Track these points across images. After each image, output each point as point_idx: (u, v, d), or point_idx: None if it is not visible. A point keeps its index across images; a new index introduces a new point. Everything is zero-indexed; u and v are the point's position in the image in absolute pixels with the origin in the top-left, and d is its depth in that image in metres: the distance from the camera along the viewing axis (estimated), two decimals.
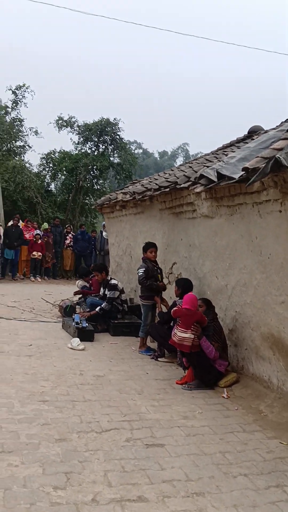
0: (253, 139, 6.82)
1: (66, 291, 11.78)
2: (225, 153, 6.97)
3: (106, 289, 7.74)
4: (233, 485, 3.04)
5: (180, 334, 4.92)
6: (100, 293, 8.02)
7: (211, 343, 4.92)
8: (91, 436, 3.78)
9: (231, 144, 8.20)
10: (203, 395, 4.77)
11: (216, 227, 5.56)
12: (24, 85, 20.56)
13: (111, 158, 20.48)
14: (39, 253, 14.72)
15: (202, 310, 5.17)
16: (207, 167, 5.71)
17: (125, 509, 2.79)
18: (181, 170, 7.30)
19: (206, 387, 4.92)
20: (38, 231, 15.01)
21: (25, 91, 20.65)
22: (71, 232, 16.09)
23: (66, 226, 16.45)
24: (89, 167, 19.55)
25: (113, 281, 7.80)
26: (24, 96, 20.75)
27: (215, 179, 5.07)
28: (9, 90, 20.58)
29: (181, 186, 6.10)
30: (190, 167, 6.88)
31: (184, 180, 6.17)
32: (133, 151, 25.71)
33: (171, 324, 5.90)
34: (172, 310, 5.30)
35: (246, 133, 8.40)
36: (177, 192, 6.38)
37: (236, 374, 5.04)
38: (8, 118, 21.06)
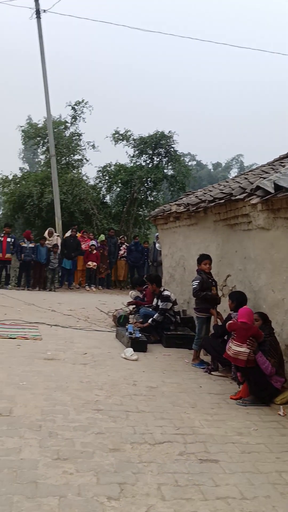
0: None
1: (120, 301, 11.93)
2: (282, 164, 6.84)
3: (159, 300, 7.77)
4: None
5: (235, 348, 4.84)
6: (153, 303, 8.06)
7: (267, 358, 4.80)
8: (144, 447, 3.79)
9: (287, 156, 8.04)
10: (258, 411, 4.65)
11: (273, 239, 5.44)
12: (83, 100, 21.22)
13: (165, 170, 20.63)
14: (94, 263, 15.02)
15: (258, 325, 5.07)
16: (264, 178, 5.63)
17: None
18: (236, 181, 7.24)
19: (261, 404, 4.80)
20: (93, 242, 15.34)
21: (83, 107, 21.30)
22: (125, 243, 16.30)
23: (120, 237, 16.70)
24: (144, 179, 19.78)
25: (165, 292, 7.81)
26: (83, 112, 21.40)
27: (272, 191, 4.99)
28: (68, 106, 21.31)
29: (237, 197, 6.04)
30: (246, 178, 6.80)
31: (240, 191, 6.11)
32: (186, 163, 25.74)
33: (225, 337, 5.82)
34: (227, 324, 5.23)
35: None
36: (232, 203, 6.32)
37: None
38: (67, 133, 21.76)
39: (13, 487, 3.06)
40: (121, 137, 20.95)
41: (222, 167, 55.82)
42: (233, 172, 53.94)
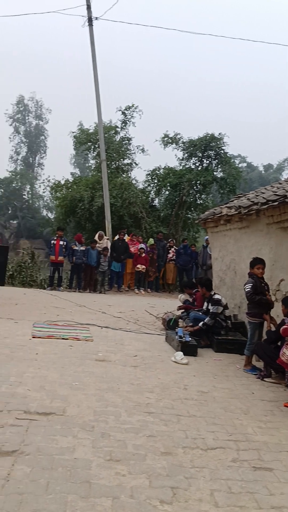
0: None
1: (169, 304, 11.92)
2: None
3: (210, 304, 7.69)
4: None
5: None
6: (203, 307, 7.99)
7: None
8: (196, 452, 3.76)
9: None
10: None
11: None
12: (133, 105, 21.45)
13: (215, 173, 20.45)
14: (143, 266, 15.10)
15: None
16: None
17: None
18: None
19: None
20: (142, 245, 15.43)
21: (133, 111, 21.52)
22: (174, 246, 16.27)
23: (169, 240, 16.68)
24: (193, 182, 19.70)
25: (216, 296, 7.73)
26: (133, 116, 21.62)
27: None
28: (119, 111, 21.61)
29: None
30: None
31: None
32: (237, 165, 25.43)
33: (279, 343, 5.68)
34: (281, 329, 5.10)
35: None
36: (286, 206, 6.17)
37: None
38: (117, 138, 22.06)
39: (67, 486, 3.12)
40: (170, 141, 20.99)
41: (273, 169, 54.55)
42: (285, 174, 52.53)
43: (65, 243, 14.55)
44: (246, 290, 6.29)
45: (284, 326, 5.11)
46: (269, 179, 47.13)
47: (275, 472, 3.44)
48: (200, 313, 7.89)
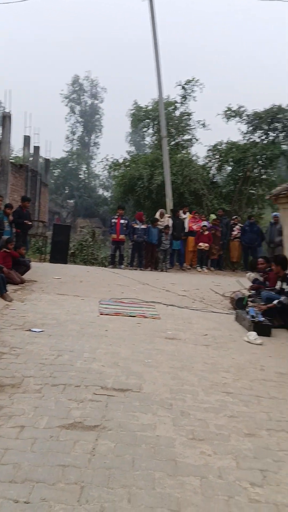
0: None
1: (234, 282, 11.64)
2: None
3: (284, 283, 7.39)
4: None
5: None
6: (277, 286, 7.69)
7: None
8: (282, 435, 3.61)
9: None
10: None
11: None
12: (193, 79, 20.85)
13: (282, 146, 19.57)
14: (206, 245, 14.84)
15: None
16: None
17: None
18: None
19: None
20: (205, 223, 15.13)
21: (193, 85, 20.93)
22: (239, 224, 15.81)
23: (234, 217, 16.23)
24: (258, 157, 18.98)
25: None
26: (193, 90, 21.04)
27: None
28: (178, 85, 21.08)
29: None
30: None
31: None
32: None
33: None
34: None
35: None
36: None
37: None
38: (177, 113, 21.61)
39: (153, 463, 3.08)
40: (233, 114, 20.29)
41: None
42: None
43: (126, 221, 14.55)
44: None
45: None
46: None
47: None
48: (273, 293, 7.60)
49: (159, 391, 4.32)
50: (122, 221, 14.43)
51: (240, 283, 9.42)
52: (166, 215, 15.41)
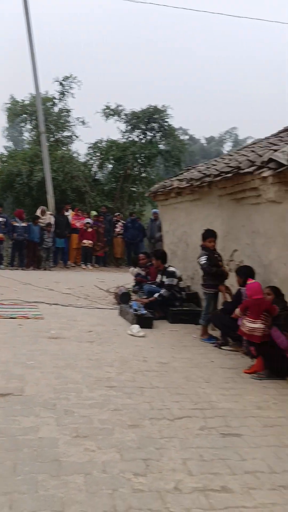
0: None
1: (119, 278, 11.82)
2: None
3: (164, 276, 7.68)
4: None
5: (250, 325, 4.79)
6: (157, 280, 7.97)
7: (283, 332, 4.75)
8: (164, 423, 3.73)
9: None
10: (275, 385, 4.62)
11: (285, 212, 5.34)
12: (71, 75, 20.63)
13: (159, 146, 20.29)
14: (90, 242, 14.86)
15: (271, 299, 5.00)
16: (274, 150, 5.48)
17: (209, 499, 2.72)
18: (242, 154, 7.07)
19: (277, 377, 4.76)
20: (88, 220, 15.13)
21: (71, 82, 20.71)
22: (121, 220, 16.08)
23: (116, 214, 16.46)
24: (137, 155, 19.46)
25: (171, 268, 7.73)
26: (71, 87, 20.82)
27: (286, 163, 4.86)
28: (56, 81, 20.70)
29: (245, 171, 5.90)
30: (253, 151, 6.64)
31: (248, 164, 5.96)
32: (180, 138, 25.33)
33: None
34: (238, 307, 5.14)
35: None
36: (239, 177, 6.18)
37: None
38: (55, 109, 21.23)
39: (36, 466, 2.99)
40: (112, 112, 20.49)
41: (215, 141, 55.09)
42: (227, 146, 53.15)
43: (4, 219, 13.97)
44: (202, 262, 6.30)
45: (241, 304, 5.15)
46: (211, 151, 47.63)
47: (244, 438, 3.48)
48: (154, 286, 7.86)
49: (42, 392, 4.21)
50: (0, 219, 13.81)
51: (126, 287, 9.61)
52: (48, 212, 15.10)
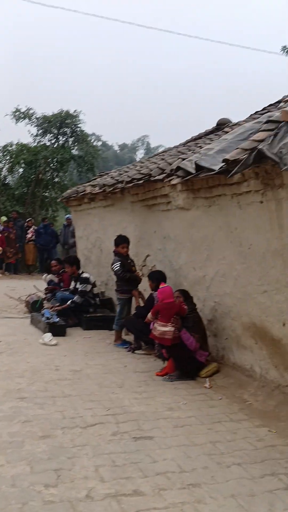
0: (225, 131, 6.88)
1: (30, 286, 11.48)
2: (198, 145, 6.97)
3: (78, 283, 7.61)
4: (228, 475, 3.03)
5: (160, 328, 4.90)
6: (71, 287, 7.87)
7: (191, 334, 4.91)
8: (76, 431, 3.69)
9: (200, 136, 8.25)
10: (185, 386, 4.76)
11: (193, 219, 5.54)
12: None
13: (72, 151, 20.10)
14: (0, 248, 14.29)
15: (180, 302, 5.14)
16: (182, 159, 5.68)
17: (121, 504, 2.72)
18: (153, 162, 7.24)
19: (187, 378, 4.92)
20: None
21: None
22: (33, 226, 15.68)
23: (28, 220, 16.02)
24: (49, 160, 19.12)
25: (84, 274, 7.68)
26: None
27: (193, 171, 5.04)
28: None
29: (156, 178, 6.04)
30: (163, 159, 6.83)
31: (158, 172, 6.12)
32: (93, 144, 25.32)
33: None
34: (150, 312, 5.24)
35: (214, 125, 8.48)
36: (150, 184, 6.31)
37: (216, 364, 5.04)
38: None
39: None
40: (22, 115, 19.97)
41: (128, 148, 55.94)
42: (140, 153, 54.25)
43: None
44: (115, 269, 6.34)
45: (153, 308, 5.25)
46: (125, 158, 48.27)
47: (156, 440, 3.53)
48: (67, 293, 7.75)
49: None
50: None
51: (36, 287, 9.37)
52: None
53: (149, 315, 5.21)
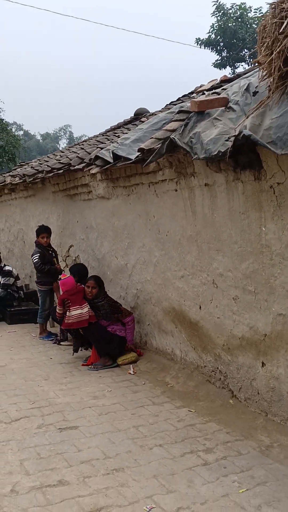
0: (142, 121, 6.95)
1: None
2: (116, 134, 6.99)
3: (0, 276, 7.40)
4: (150, 457, 3.15)
5: (76, 312, 4.96)
6: None
7: (113, 316, 5.04)
8: (0, 427, 3.65)
9: (119, 126, 8.26)
10: (110, 373, 4.83)
11: (113, 208, 5.59)
12: None
13: None
14: None
15: (96, 291, 5.14)
16: (101, 148, 5.69)
17: (46, 495, 2.75)
18: (72, 151, 7.17)
19: (111, 364, 5.00)
20: None
21: None
22: None
23: None
24: None
25: (7, 267, 7.49)
26: None
27: (111, 160, 5.07)
28: None
29: (75, 167, 6.00)
30: (82, 148, 6.79)
31: (78, 161, 6.08)
32: (14, 133, 24.53)
33: None
34: (57, 303, 5.27)
35: (132, 115, 8.52)
36: (71, 173, 6.27)
37: (136, 354, 5.14)
38: None
39: None
40: None
41: (51, 138, 54.77)
42: (62, 143, 53.33)
43: None
44: (34, 261, 6.25)
45: (59, 299, 5.28)
46: (47, 147, 47.24)
47: (81, 429, 3.58)
48: None
49: None
50: None
51: None
52: None
53: (58, 308, 5.21)
